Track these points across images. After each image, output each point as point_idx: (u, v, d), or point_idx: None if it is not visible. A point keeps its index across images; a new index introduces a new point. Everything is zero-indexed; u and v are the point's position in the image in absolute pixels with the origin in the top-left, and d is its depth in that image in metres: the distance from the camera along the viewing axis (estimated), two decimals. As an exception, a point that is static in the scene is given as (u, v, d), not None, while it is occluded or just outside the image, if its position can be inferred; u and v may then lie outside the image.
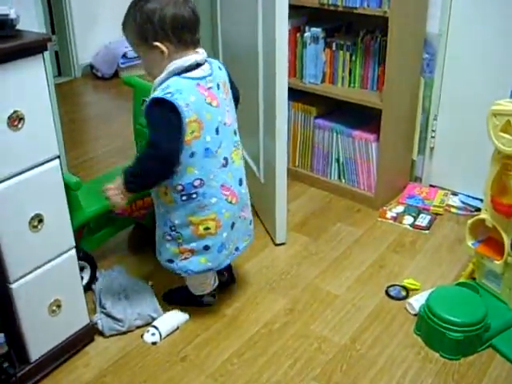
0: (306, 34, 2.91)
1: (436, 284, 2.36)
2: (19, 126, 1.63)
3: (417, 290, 2.34)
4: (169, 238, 2.03)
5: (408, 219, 2.83)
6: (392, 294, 2.33)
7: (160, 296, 2.31)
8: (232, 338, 2.13)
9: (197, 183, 1.92)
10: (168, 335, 2.14)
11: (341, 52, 2.88)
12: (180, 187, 1.92)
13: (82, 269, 2.27)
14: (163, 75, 1.86)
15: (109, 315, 2.17)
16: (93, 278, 2.36)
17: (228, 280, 2.39)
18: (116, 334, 2.15)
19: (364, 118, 2.94)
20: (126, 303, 2.21)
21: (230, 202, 2.02)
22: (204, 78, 1.89)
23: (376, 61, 2.80)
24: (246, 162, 2.33)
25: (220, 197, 1.98)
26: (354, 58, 2.86)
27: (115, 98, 4.82)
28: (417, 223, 2.79)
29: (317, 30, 2.88)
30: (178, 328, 2.17)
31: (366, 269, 2.49)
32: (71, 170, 2.83)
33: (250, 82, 2.60)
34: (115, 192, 1.93)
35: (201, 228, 1.98)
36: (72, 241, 1.93)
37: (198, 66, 1.89)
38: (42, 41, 1.64)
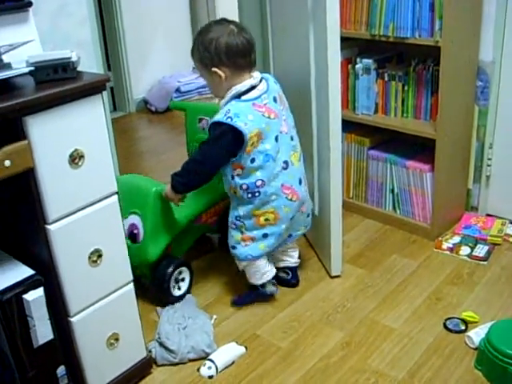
0: (357, 66, 2.91)
1: (496, 317, 2.30)
2: (79, 163, 1.68)
3: (476, 322, 2.28)
4: (234, 226, 2.35)
5: (465, 250, 2.77)
6: (450, 327, 2.28)
7: (217, 329, 2.33)
8: (288, 373, 2.12)
9: (259, 183, 2.22)
10: (224, 369, 2.14)
11: (393, 82, 2.87)
12: (245, 186, 2.23)
13: (183, 279, 2.55)
14: (226, 99, 2.19)
15: (162, 345, 2.19)
16: (191, 283, 2.56)
17: (292, 280, 2.59)
18: (168, 364, 2.18)
19: (418, 147, 2.92)
20: (182, 334, 2.22)
21: (291, 200, 2.30)
22: (259, 96, 2.18)
23: (429, 90, 2.78)
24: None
25: (280, 195, 2.27)
26: (406, 88, 2.85)
27: (168, 132, 4.90)
28: (474, 254, 2.73)
29: (368, 61, 2.88)
30: (233, 362, 2.17)
31: (422, 301, 2.45)
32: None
33: (303, 115, 2.61)
34: (169, 193, 2.31)
35: (261, 219, 2.29)
36: (130, 275, 1.96)
37: (254, 87, 2.19)
38: (101, 81, 1.69)
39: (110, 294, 1.90)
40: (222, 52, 2.13)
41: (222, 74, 2.16)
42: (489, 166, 2.95)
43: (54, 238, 1.68)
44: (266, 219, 2.29)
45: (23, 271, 1.72)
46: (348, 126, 2.94)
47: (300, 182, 2.35)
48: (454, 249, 2.78)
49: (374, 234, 2.98)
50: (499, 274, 2.60)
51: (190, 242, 2.69)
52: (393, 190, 3.00)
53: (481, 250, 2.75)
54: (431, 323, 2.32)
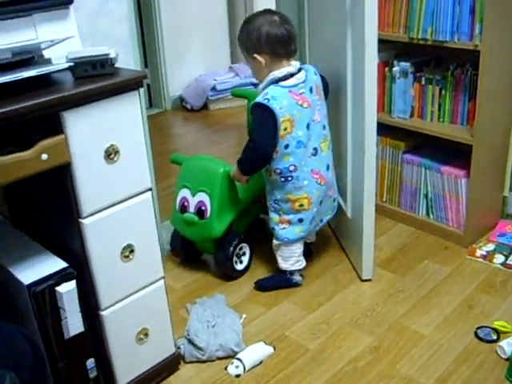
0: (394, 69, 2.89)
1: (529, 327, 2.27)
2: (115, 158, 1.70)
3: (508, 332, 2.25)
4: (273, 209, 2.51)
5: (499, 258, 2.73)
6: (481, 335, 2.25)
7: (246, 329, 2.33)
8: (315, 375, 2.12)
9: (292, 168, 2.37)
10: (251, 368, 2.15)
11: (430, 86, 2.84)
12: (278, 170, 2.39)
13: (244, 254, 2.73)
14: (264, 83, 2.35)
15: (191, 342, 2.20)
16: (251, 258, 2.74)
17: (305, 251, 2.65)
18: (196, 362, 2.19)
19: (453, 153, 2.88)
20: (211, 332, 2.23)
21: (320, 184, 2.45)
22: (296, 85, 2.32)
23: (466, 95, 2.74)
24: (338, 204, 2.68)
25: (310, 179, 2.42)
26: (443, 92, 2.81)
27: (203, 130, 4.92)
28: (508, 262, 2.69)
29: (406, 65, 2.85)
30: (261, 362, 2.18)
31: (454, 308, 2.42)
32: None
33: (338, 116, 2.61)
34: (236, 175, 2.51)
35: (296, 204, 2.44)
36: (161, 271, 1.97)
37: (292, 75, 2.32)
38: (138, 78, 1.71)
39: (141, 290, 1.92)
40: (263, 40, 2.29)
41: (262, 60, 2.32)
42: (526, 173, 2.91)
43: (88, 232, 1.71)
44: (301, 205, 2.43)
45: (57, 264, 1.74)
46: (383, 129, 2.91)
47: (327, 168, 2.49)
48: (487, 256, 2.75)
49: (407, 239, 2.96)
50: (533, 283, 2.56)
51: (249, 220, 2.85)
52: (427, 195, 2.97)
53: (515, 259, 2.71)
54: (462, 331, 2.29)
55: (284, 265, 2.56)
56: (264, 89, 2.34)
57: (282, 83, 2.31)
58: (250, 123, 2.86)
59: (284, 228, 2.48)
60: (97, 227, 1.72)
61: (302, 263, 2.59)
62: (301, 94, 2.32)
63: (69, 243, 1.76)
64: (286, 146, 2.33)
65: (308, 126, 2.35)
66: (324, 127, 2.45)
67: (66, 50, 1.66)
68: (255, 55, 2.33)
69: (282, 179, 2.39)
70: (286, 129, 2.30)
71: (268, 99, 2.27)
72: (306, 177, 2.40)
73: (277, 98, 2.27)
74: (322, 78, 2.49)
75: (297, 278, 2.60)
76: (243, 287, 2.63)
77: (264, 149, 2.34)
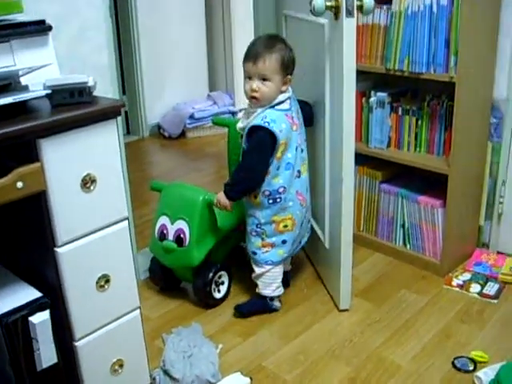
0: (371, 99, 2.92)
1: (506, 357, 2.26)
2: (91, 187, 1.68)
3: (485, 362, 2.25)
4: (254, 233, 2.49)
5: (475, 287, 2.74)
6: (458, 366, 2.24)
7: (223, 359, 2.30)
8: (293, 406, 2.10)
9: (281, 190, 2.40)
10: (228, 400, 2.12)
11: (407, 117, 2.87)
12: (267, 192, 2.39)
13: (222, 283, 2.71)
14: (267, 106, 2.32)
15: (167, 373, 2.17)
16: (230, 287, 2.73)
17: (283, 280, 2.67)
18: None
19: (430, 182, 2.91)
20: (187, 363, 2.20)
21: (302, 205, 2.49)
22: (290, 109, 2.38)
23: (442, 125, 2.78)
24: (311, 226, 2.73)
25: (296, 201, 2.45)
26: (419, 122, 2.84)
27: (181, 158, 4.92)
28: (484, 292, 2.70)
29: (383, 95, 2.89)
30: (238, 393, 2.15)
31: (431, 338, 2.42)
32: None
33: (316, 146, 2.62)
34: (221, 200, 2.43)
35: (281, 225, 2.45)
36: (137, 301, 1.94)
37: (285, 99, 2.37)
38: (116, 107, 1.70)
39: (116, 320, 1.88)
40: (295, 64, 2.38)
41: (291, 81, 2.38)
42: (501, 203, 2.94)
43: (63, 261, 1.68)
44: (285, 226, 2.46)
45: (30, 293, 1.71)
46: (360, 158, 2.93)
47: (307, 190, 2.54)
48: (464, 286, 2.76)
49: (384, 269, 2.96)
50: (510, 312, 2.57)
51: (229, 248, 2.82)
52: (403, 225, 2.99)
53: (491, 288, 2.72)
54: (439, 361, 2.28)
55: (265, 291, 2.56)
56: (262, 112, 2.32)
57: (278, 107, 2.34)
58: (231, 150, 2.89)
59: (267, 251, 2.48)
60: (72, 256, 1.69)
61: (282, 289, 2.61)
62: (292, 118, 2.38)
63: (43, 272, 1.73)
64: (278, 168, 2.36)
65: (296, 149, 2.38)
66: (302, 150, 2.47)
67: (43, 77, 1.65)
68: (289, 77, 2.36)
69: (270, 201, 2.40)
70: (282, 151, 2.33)
71: (268, 122, 2.27)
72: (291, 198, 2.43)
73: (276, 121, 2.29)
74: (310, 105, 2.60)
75: (276, 303, 2.62)
76: (220, 317, 2.60)
77: (257, 172, 2.35)
